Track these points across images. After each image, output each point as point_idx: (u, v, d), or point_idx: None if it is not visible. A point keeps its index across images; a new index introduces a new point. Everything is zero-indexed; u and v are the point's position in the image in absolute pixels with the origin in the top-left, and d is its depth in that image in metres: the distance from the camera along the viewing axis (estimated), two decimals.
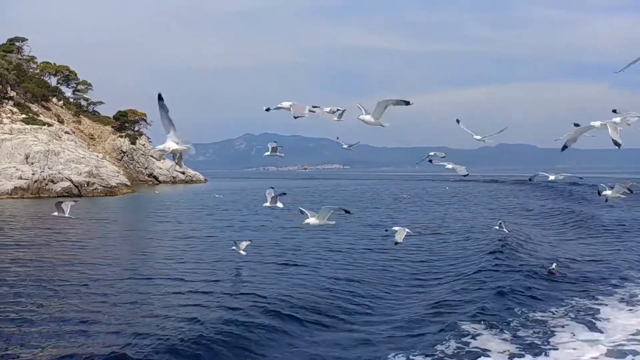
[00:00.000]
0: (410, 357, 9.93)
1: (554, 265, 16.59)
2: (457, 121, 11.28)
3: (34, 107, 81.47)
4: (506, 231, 20.23)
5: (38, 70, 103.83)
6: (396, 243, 14.29)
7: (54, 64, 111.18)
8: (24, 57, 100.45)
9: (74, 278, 15.74)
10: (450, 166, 12.62)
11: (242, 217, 34.67)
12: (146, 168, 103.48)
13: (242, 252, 17.74)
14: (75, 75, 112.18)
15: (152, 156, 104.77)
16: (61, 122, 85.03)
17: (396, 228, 14.10)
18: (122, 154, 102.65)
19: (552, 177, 13.41)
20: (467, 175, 13.20)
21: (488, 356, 9.99)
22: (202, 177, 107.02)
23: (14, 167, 60.76)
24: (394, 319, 12.19)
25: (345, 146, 12.76)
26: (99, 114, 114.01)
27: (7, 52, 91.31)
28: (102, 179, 64.43)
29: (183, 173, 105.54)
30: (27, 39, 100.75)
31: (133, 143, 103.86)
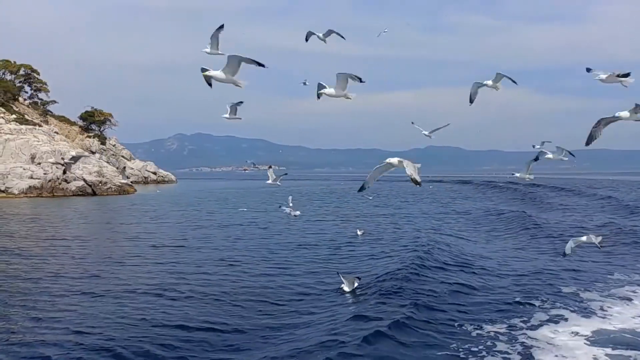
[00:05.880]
0: None
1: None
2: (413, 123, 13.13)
3: (15, 107, 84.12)
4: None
5: None
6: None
7: (14, 62, 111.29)
8: None
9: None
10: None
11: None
12: (117, 169, 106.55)
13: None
14: (38, 74, 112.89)
15: (123, 156, 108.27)
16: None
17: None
18: (92, 155, 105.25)
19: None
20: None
21: None
22: (173, 178, 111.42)
23: (20, 166, 64.39)
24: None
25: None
26: (53, 112, 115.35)
27: None
28: (108, 179, 69.36)
29: (154, 173, 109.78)
30: None
31: (103, 143, 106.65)
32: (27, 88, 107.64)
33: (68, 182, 64.32)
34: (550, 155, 13.15)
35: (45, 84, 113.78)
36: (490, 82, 11.00)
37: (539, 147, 13.49)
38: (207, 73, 8.35)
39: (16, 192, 60.13)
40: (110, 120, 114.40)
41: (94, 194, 64.20)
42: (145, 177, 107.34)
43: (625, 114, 8.89)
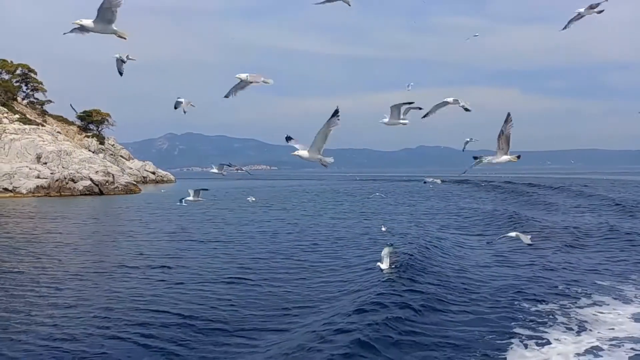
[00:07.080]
0: None
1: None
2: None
3: (17, 107, 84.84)
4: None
5: None
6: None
7: (11, 61, 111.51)
8: None
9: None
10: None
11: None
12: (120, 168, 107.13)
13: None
14: (35, 73, 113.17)
15: (121, 156, 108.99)
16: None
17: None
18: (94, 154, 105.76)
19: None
20: None
21: None
22: (172, 177, 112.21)
23: (26, 166, 65.32)
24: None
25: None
26: (49, 112, 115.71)
27: None
28: (115, 178, 70.38)
29: (153, 173, 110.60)
30: None
31: (101, 143, 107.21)
32: (23, 88, 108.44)
33: (75, 182, 65.30)
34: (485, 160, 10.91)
35: (42, 84, 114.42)
36: None
37: (468, 139, 13.39)
38: (76, 21, 7.28)
39: (24, 191, 61.14)
40: (108, 120, 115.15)
41: (101, 193, 65.17)
42: (144, 177, 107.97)
43: (487, 158, 9.07)
